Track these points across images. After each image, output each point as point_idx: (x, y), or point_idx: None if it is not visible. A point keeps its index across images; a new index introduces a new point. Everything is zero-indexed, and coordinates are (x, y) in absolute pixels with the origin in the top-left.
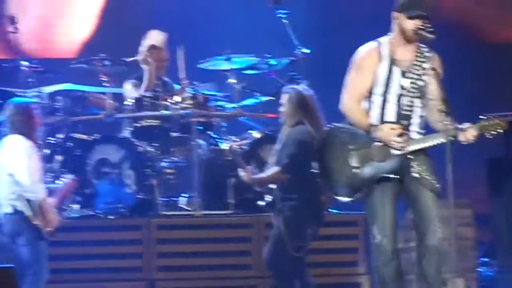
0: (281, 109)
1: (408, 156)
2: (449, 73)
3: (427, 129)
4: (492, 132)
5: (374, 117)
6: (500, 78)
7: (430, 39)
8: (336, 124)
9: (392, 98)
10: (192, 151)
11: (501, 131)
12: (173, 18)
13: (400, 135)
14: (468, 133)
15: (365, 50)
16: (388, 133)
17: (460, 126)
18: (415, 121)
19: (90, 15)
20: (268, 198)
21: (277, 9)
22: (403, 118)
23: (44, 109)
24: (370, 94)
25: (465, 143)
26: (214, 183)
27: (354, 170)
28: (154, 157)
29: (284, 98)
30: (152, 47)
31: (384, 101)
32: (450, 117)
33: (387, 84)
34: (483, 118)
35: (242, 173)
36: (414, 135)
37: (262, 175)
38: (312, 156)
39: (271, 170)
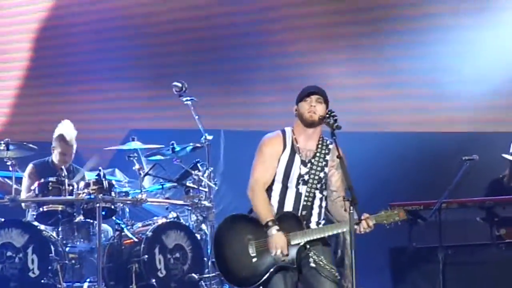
0: None
1: (307, 246)
2: (360, 161)
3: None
4: (391, 223)
5: (273, 205)
6: (408, 166)
7: (336, 128)
8: (236, 213)
9: (292, 187)
10: (96, 236)
11: (399, 221)
12: (78, 104)
13: (285, 254)
14: (365, 223)
15: (269, 138)
16: (279, 243)
17: (357, 217)
18: (315, 211)
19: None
20: None
21: (182, 96)
22: (302, 208)
23: None
24: (272, 181)
25: (362, 232)
26: (117, 269)
27: (252, 259)
28: (58, 242)
29: None
30: (60, 136)
31: (285, 190)
32: (354, 205)
33: (288, 173)
34: (384, 209)
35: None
36: (313, 226)
37: None
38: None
39: None
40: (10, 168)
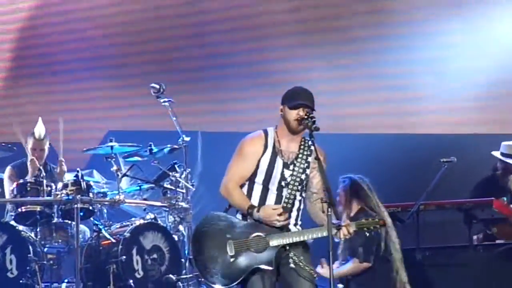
0: (338, 199)
1: (287, 247)
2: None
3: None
4: (371, 230)
5: None
6: (385, 168)
7: (314, 129)
8: (216, 212)
9: (273, 189)
10: (74, 237)
11: (378, 228)
12: (56, 105)
13: (281, 215)
14: (346, 229)
15: (251, 138)
16: (271, 213)
17: (337, 222)
18: (294, 214)
19: None
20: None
21: (160, 97)
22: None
23: None
24: (252, 182)
25: (341, 239)
26: (95, 269)
27: (230, 259)
28: (37, 242)
29: (340, 189)
30: (30, 133)
31: (265, 191)
32: (332, 207)
33: (269, 175)
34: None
35: (321, 270)
36: (292, 228)
37: (343, 269)
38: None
39: (350, 262)
40: None
